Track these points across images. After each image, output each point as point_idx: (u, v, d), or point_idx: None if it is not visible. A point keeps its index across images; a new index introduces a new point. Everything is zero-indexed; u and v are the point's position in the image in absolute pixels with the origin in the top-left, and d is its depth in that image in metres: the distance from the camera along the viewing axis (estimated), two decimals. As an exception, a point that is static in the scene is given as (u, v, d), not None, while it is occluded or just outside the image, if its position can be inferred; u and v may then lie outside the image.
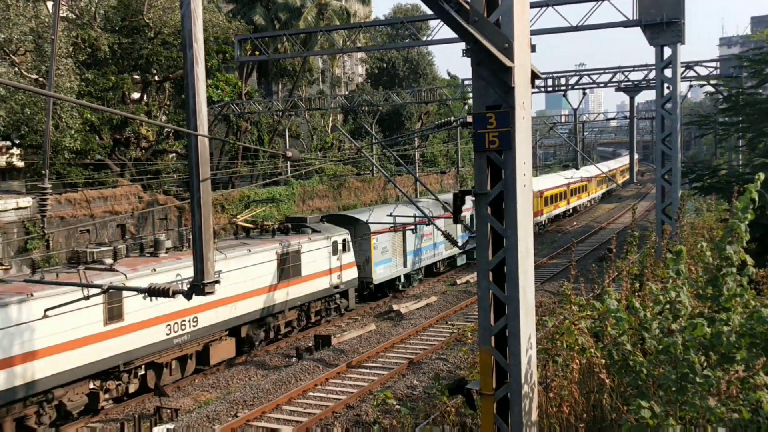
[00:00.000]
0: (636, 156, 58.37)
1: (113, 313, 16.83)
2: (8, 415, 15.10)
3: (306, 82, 56.90)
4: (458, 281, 32.28)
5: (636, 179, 63.17)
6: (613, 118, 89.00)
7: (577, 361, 7.50)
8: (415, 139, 55.26)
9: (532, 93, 7.09)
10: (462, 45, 6.48)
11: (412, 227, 29.23)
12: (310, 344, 22.99)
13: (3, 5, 26.68)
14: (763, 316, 5.75)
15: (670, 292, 6.28)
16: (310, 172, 48.46)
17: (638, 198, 68.93)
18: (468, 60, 6.57)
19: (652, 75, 33.98)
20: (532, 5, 21.29)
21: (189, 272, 13.04)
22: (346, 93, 62.69)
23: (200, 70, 11.03)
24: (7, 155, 34.39)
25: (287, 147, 48.07)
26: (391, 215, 28.12)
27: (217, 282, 12.26)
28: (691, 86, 42.00)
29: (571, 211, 56.04)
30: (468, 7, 6.24)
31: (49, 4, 29.73)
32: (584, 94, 42.48)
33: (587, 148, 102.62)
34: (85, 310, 15.11)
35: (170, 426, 16.45)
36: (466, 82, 48.07)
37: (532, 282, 6.78)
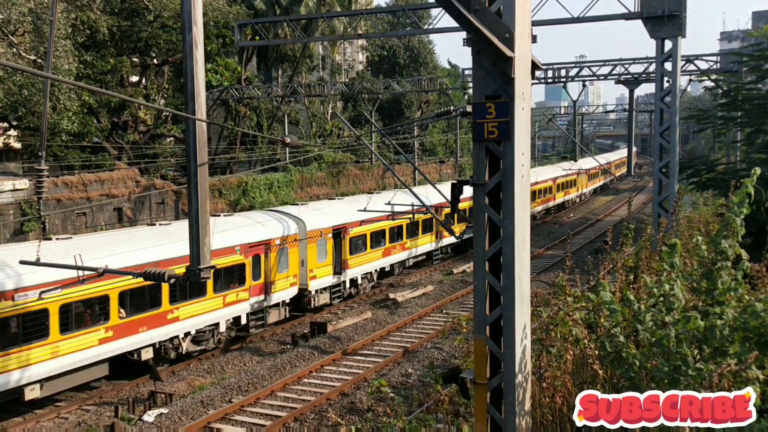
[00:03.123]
0: (634, 149, 58.51)
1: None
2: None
3: (306, 69, 56.71)
4: (455, 271, 32.38)
5: (633, 172, 63.25)
6: (613, 111, 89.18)
7: (571, 352, 7.53)
8: (415, 127, 55.20)
9: (532, 84, 7.08)
10: (463, 34, 6.48)
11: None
12: (305, 331, 23.04)
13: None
14: (757, 311, 5.78)
15: (664, 285, 6.30)
16: (308, 159, 48.42)
17: (635, 191, 68.99)
18: (469, 49, 6.55)
19: (652, 68, 33.91)
20: (534, -5, 21.22)
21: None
22: (346, 80, 62.48)
23: (199, 54, 11.03)
24: (5, 136, 34.26)
25: (286, 133, 48.00)
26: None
27: (213, 267, 12.30)
28: (690, 80, 41.99)
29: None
30: (469, -5, 6.21)
31: (49, -15, 29.51)
32: (584, 86, 42.44)
33: (586, 140, 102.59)
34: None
35: (164, 410, 16.52)
36: (466, 72, 47.97)
37: (527, 272, 6.80)
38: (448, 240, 34.55)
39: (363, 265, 27.68)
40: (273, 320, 23.15)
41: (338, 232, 26.05)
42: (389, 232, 29.52)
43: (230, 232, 21.03)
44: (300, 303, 24.61)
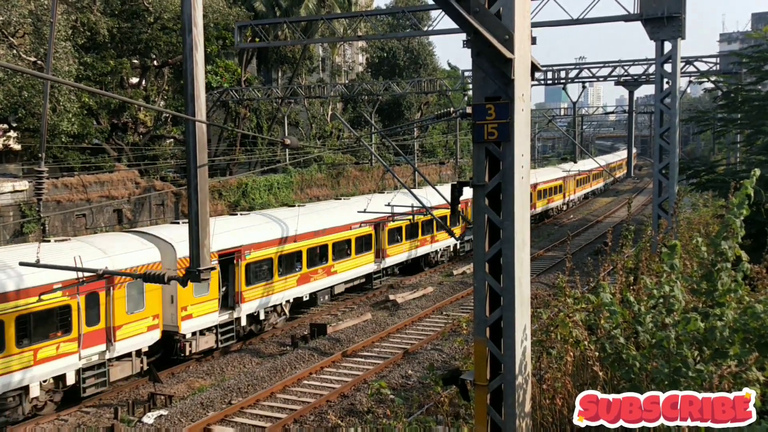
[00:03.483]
0: (634, 150, 58.55)
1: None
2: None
3: (306, 70, 56.73)
4: (455, 272, 32.37)
5: (633, 173, 63.25)
6: (612, 112, 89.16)
7: (571, 354, 7.52)
8: (415, 129, 55.19)
9: (532, 85, 7.07)
10: (462, 36, 6.48)
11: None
12: (305, 332, 23.03)
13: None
14: (757, 312, 5.78)
15: (664, 286, 6.30)
16: (308, 161, 48.42)
17: (635, 192, 69.01)
18: (468, 51, 6.55)
19: (652, 69, 33.94)
20: (534, -3, 21.23)
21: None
22: (346, 82, 62.49)
23: (199, 55, 11.04)
24: (4, 138, 34.27)
25: (286, 135, 47.99)
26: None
27: (213, 269, 12.30)
28: (690, 82, 41.99)
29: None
30: (469, -3, 6.21)
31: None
32: (584, 87, 42.43)
33: (586, 142, 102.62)
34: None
35: (164, 412, 16.51)
36: (466, 74, 48.00)
37: (527, 274, 6.79)
38: (393, 259, 30.31)
39: (267, 297, 22.73)
40: (121, 376, 18.14)
41: (229, 258, 21.19)
42: (307, 253, 24.48)
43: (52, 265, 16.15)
44: (172, 349, 19.78)
